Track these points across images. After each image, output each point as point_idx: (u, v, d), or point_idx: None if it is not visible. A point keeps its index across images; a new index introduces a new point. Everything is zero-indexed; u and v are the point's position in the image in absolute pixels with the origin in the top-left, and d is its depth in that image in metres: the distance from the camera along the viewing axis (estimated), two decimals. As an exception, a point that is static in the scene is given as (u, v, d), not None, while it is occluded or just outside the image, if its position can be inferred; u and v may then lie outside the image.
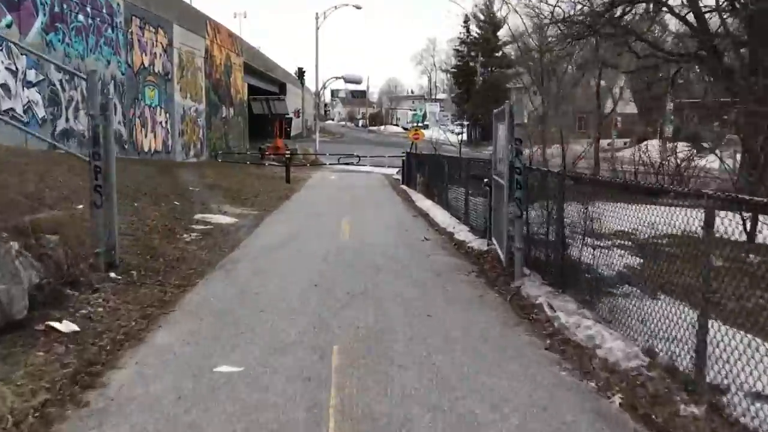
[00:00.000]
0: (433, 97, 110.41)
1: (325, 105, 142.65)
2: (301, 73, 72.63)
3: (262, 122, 42.55)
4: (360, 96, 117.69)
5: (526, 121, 51.50)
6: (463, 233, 12.40)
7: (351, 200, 19.81)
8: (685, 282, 4.84)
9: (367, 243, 11.50)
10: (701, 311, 4.41)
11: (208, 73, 33.59)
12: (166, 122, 27.60)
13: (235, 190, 19.75)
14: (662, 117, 37.82)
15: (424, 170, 21.24)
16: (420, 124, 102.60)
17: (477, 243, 11.08)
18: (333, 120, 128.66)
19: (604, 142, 66.68)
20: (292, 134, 73.40)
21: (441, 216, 15.28)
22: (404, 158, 27.44)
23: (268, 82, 63.12)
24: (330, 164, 38.20)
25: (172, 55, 28.19)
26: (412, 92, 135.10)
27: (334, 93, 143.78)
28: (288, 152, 35.75)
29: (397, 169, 31.20)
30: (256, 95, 38.81)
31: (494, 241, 10.11)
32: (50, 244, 6.59)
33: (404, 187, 25.23)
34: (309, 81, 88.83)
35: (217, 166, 29.18)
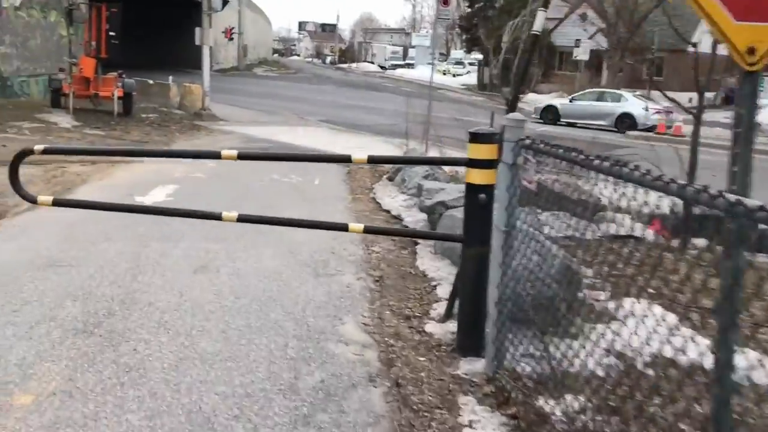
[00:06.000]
0: (420, 29, 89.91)
1: (289, 40, 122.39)
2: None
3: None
4: (330, 30, 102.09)
5: (587, 58, 30.91)
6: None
7: None
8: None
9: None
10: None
11: None
12: None
13: None
14: None
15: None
16: (403, 62, 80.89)
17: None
18: (299, 56, 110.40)
19: (681, 97, 45.88)
20: (221, 66, 50.95)
21: None
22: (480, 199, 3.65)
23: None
24: (242, 120, 17.22)
25: None
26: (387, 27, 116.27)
27: (301, 26, 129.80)
28: (105, 91, 14.42)
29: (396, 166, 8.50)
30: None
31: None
32: None
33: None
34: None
35: None
